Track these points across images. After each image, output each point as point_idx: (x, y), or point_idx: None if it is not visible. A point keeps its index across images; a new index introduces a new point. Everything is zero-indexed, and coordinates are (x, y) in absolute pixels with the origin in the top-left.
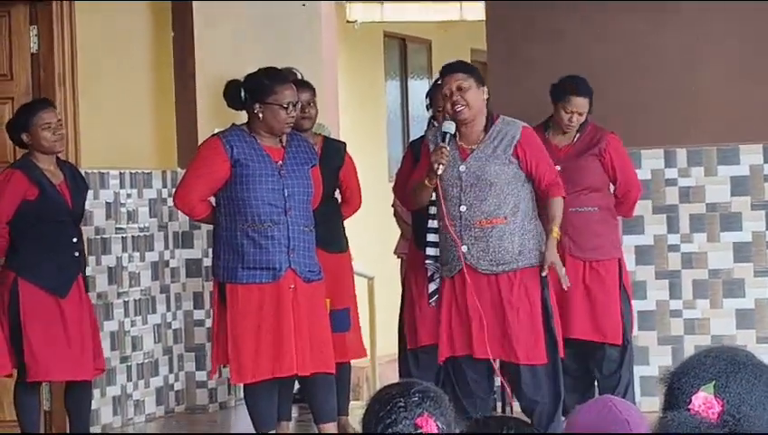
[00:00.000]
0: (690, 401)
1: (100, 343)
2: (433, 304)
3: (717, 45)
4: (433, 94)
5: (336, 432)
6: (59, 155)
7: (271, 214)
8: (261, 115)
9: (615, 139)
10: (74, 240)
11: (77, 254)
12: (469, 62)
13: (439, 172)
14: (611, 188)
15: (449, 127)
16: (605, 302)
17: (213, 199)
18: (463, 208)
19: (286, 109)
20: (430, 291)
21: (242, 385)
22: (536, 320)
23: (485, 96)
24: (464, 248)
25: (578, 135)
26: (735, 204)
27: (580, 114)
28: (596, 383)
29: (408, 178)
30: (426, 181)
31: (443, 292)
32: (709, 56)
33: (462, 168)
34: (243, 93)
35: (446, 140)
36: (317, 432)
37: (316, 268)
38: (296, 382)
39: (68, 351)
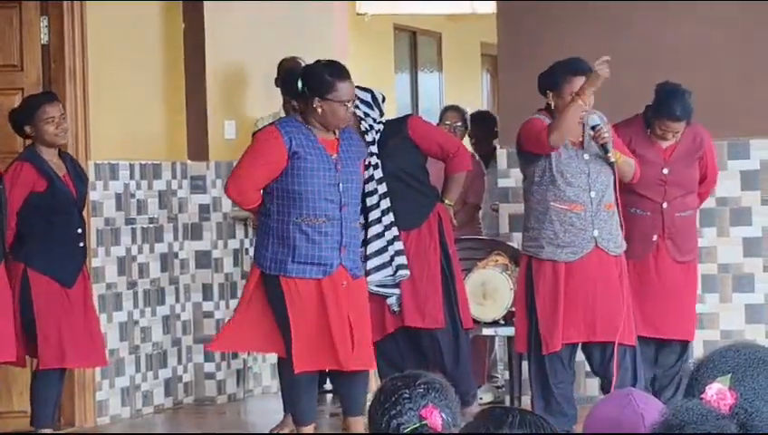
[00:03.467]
0: (704, 390)
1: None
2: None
3: (728, 40)
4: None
5: (362, 427)
6: (61, 147)
7: (326, 209)
8: (320, 110)
9: (709, 136)
10: (79, 231)
11: (82, 244)
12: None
13: (610, 156)
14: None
15: (595, 119)
16: (690, 301)
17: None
18: (593, 194)
19: (346, 106)
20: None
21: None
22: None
23: None
24: (595, 232)
25: (679, 134)
26: (746, 198)
27: (676, 133)
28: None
29: None
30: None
31: (568, 274)
32: (720, 51)
33: (585, 156)
34: (301, 84)
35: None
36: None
37: (359, 264)
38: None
39: (80, 339)
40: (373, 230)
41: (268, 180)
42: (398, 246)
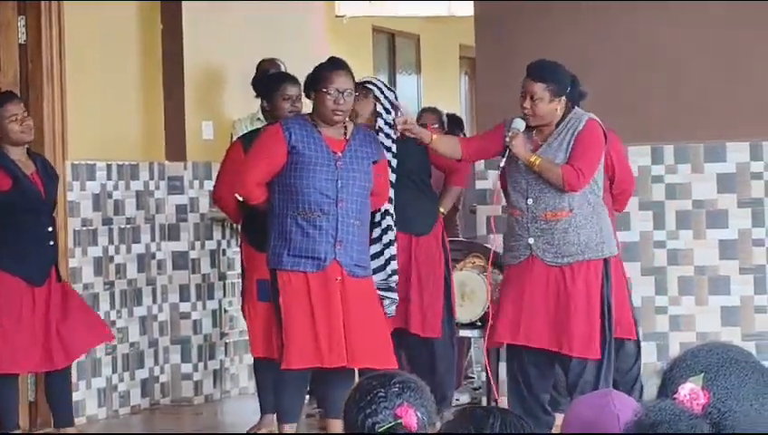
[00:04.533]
0: (677, 390)
1: (95, 316)
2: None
3: (705, 43)
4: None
5: (339, 430)
6: (29, 146)
7: (321, 203)
8: (314, 103)
9: (616, 138)
10: (49, 229)
11: (52, 243)
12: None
13: (501, 164)
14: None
15: (518, 124)
16: (619, 299)
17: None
18: (530, 201)
19: (333, 96)
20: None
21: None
22: (593, 314)
23: (560, 105)
24: (530, 240)
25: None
26: (722, 201)
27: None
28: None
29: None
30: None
31: (507, 278)
32: (697, 54)
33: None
34: (304, 87)
35: (513, 133)
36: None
37: (365, 263)
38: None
39: (37, 341)
40: (373, 233)
41: (270, 175)
42: (393, 250)
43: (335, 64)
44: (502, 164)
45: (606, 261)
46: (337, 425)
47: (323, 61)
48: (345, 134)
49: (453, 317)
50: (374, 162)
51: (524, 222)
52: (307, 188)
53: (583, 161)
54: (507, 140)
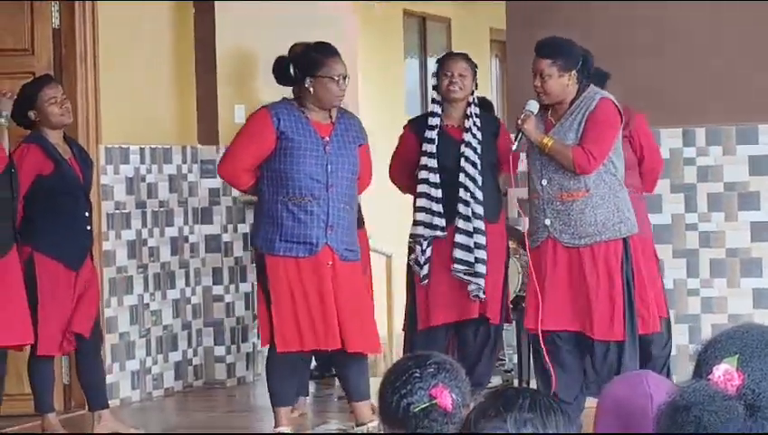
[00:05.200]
0: (711, 371)
1: (96, 314)
2: (423, 282)
3: (737, 24)
4: (444, 61)
5: (370, 414)
6: (65, 131)
7: (312, 189)
8: (312, 89)
9: (642, 118)
10: (86, 214)
11: (89, 227)
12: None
13: (513, 148)
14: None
15: (532, 105)
16: (649, 278)
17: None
18: (544, 182)
19: (336, 81)
20: (422, 274)
21: (264, 359)
22: (616, 295)
23: (572, 81)
24: (547, 222)
25: None
26: (754, 183)
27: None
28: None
29: (406, 158)
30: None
31: (530, 262)
32: (729, 35)
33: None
34: (292, 68)
35: (526, 114)
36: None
37: (354, 247)
38: (313, 359)
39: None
40: (460, 223)
41: (258, 161)
42: (480, 239)
43: (331, 49)
44: (513, 147)
45: (625, 241)
46: (362, 407)
47: (311, 44)
48: (331, 118)
49: (508, 304)
50: (359, 145)
51: (540, 204)
52: (297, 173)
53: (594, 143)
54: (519, 122)
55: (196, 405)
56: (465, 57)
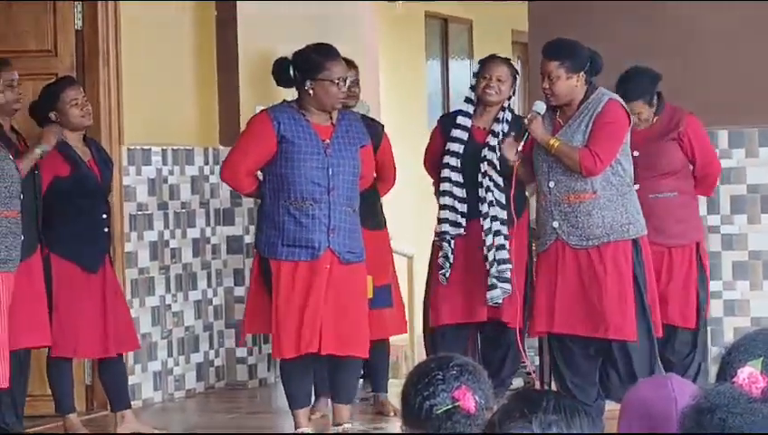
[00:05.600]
0: (735, 374)
1: (129, 320)
2: (442, 280)
3: (760, 27)
4: (486, 63)
5: (348, 416)
6: (86, 131)
7: (313, 192)
8: (312, 92)
9: (693, 119)
10: (104, 216)
11: (106, 229)
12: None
13: (519, 148)
14: (690, 168)
15: (539, 106)
16: (681, 287)
17: (260, 175)
18: (551, 184)
19: (337, 84)
20: (441, 271)
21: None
22: (626, 294)
23: (580, 82)
24: (555, 224)
25: (656, 118)
26: None
27: (638, 114)
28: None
29: (436, 153)
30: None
31: (538, 266)
32: (752, 38)
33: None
34: (292, 71)
35: (533, 115)
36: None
37: (357, 249)
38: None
39: (94, 327)
40: (491, 225)
41: (259, 165)
42: (501, 241)
43: (332, 51)
44: (519, 148)
45: (635, 241)
46: (341, 410)
47: (311, 45)
48: (331, 120)
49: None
50: (362, 147)
51: (548, 206)
52: (298, 177)
53: (601, 145)
54: (525, 122)
55: (217, 406)
56: (508, 62)
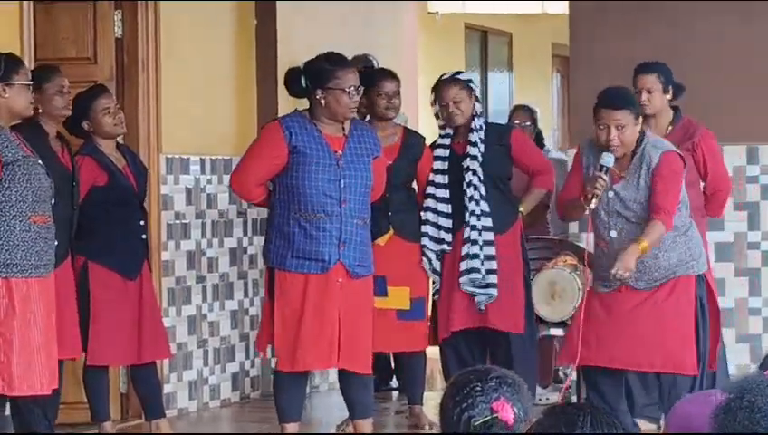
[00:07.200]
0: None
1: (162, 328)
2: (436, 298)
3: None
4: (437, 89)
5: (371, 430)
6: (118, 139)
7: (324, 205)
8: (323, 101)
9: (709, 134)
10: (141, 223)
11: (144, 236)
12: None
13: (592, 206)
14: (701, 186)
15: (608, 160)
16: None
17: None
18: (613, 234)
19: (348, 93)
20: (433, 290)
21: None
22: (686, 330)
23: (639, 127)
24: (625, 274)
25: (670, 128)
26: None
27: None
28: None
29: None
30: (583, 203)
31: (591, 301)
32: None
33: (610, 194)
34: (304, 80)
35: (604, 171)
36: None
37: (367, 263)
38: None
39: (130, 335)
40: (469, 234)
41: (269, 175)
42: (490, 251)
43: (344, 61)
44: (592, 206)
45: (699, 278)
46: (363, 426)
47: (322, 55)
48: (343, 131)
49: (533, 315)
50: (374, 157)
51: (611, 253)
52: (309, 189)
53: (665, 198)
54: (598, 187)
55: (252, 416)
56: (456, 81)
